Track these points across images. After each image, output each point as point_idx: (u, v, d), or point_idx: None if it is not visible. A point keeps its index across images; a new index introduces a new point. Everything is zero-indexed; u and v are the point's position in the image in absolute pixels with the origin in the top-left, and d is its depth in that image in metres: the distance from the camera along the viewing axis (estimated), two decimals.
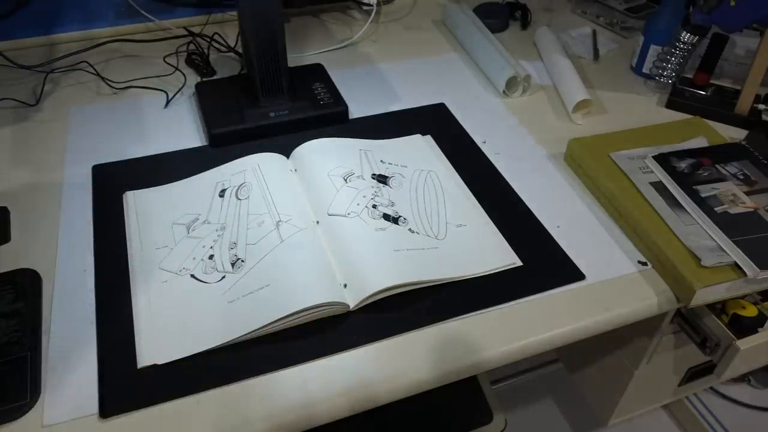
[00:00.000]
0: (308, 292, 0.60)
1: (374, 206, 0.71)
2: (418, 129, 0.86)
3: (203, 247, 0.67)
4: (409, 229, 0.69)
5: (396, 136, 0.84)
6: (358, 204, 0.70)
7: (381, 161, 0.78)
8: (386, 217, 0.70)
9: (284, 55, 0.82)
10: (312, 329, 0.59)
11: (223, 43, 1.02)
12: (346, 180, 0.74)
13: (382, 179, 0.75)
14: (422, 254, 0.66)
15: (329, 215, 0.69)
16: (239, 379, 0.55)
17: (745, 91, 0.87)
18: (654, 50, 0.97)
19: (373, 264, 0.63)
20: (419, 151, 0.81)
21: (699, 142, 0.81)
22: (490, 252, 0.68)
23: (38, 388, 0.54)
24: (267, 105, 0.84)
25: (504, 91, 0.94)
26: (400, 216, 0.70)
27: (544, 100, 0.94)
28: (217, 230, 0.69)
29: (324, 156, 0.77)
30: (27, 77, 0.93)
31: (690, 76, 0.94)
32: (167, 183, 0.75)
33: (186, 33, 1.03)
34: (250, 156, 0.77)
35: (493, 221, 0.71)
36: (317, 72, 0.94)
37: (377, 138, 0.83)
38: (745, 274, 0.62)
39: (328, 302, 0.59)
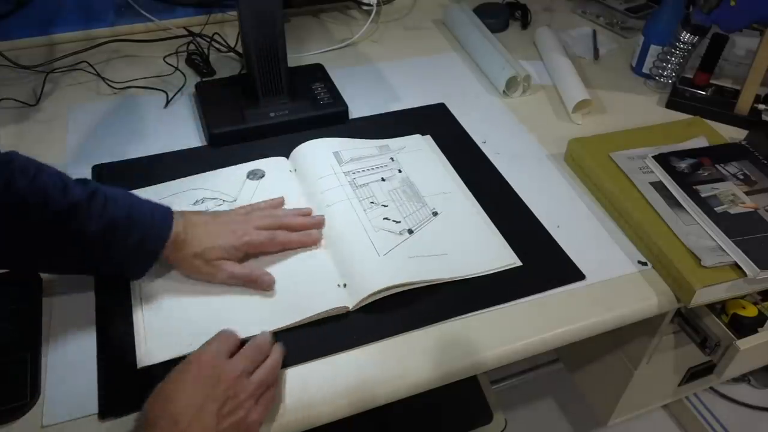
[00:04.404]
0: (309, 301, 0.60)
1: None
2: (418, 129, 0.85)
3: None
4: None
5: (396, 136, 0.84)
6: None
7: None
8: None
9: (284, 55, 0.82)
10: (312, 329, 0.59)
11: (223, 43, 1.02)
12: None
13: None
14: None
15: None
16: None
17: (745, 91, 0.87)
18: (654, 50, 0.96)
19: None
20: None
21: (699, 142, 0.81)
22: (490, 252, 0.68)
23: (38, 388, 0.54)
24: (267, 105, 0.84)
25: (504, 91, 0.94)
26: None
27: (544, 100, 0.94)
28: None
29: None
30: (27, 77, 0.93)
31: (690, 76, 0.94)
32: (167, 182, 0.75)
33: (186, 33, 1.02)
34: (252, 162, 0.77)
35: (493, 221, 0.71)
36: (317, 72, 0.94)
37: (377, 138, 0.83)
38: (745, 274, 0.62)
39: (327, 309, 0.59)
